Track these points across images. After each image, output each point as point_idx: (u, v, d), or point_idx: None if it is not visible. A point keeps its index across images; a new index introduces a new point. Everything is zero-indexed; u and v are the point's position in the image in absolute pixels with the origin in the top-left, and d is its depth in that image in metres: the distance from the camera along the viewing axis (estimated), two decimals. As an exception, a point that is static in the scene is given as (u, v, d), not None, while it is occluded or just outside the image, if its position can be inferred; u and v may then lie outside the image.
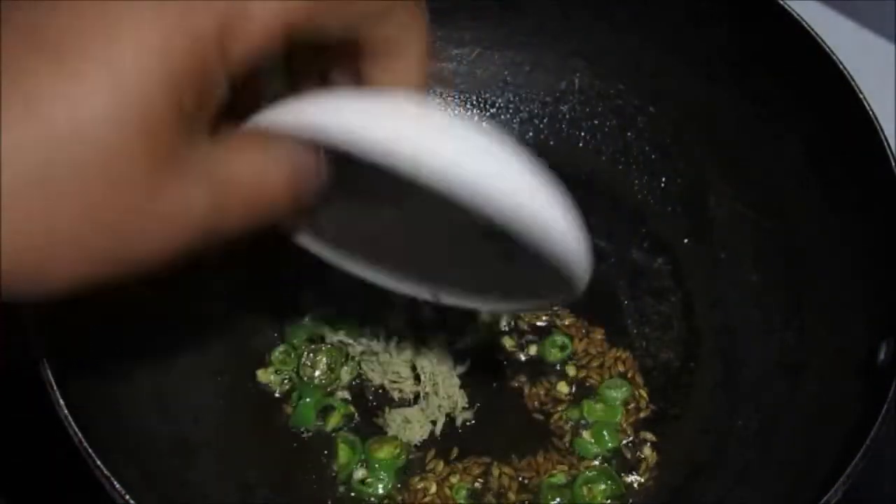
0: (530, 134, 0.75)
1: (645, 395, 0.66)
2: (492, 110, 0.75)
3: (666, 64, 0.71)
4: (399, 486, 0.63)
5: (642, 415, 0.65)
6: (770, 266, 0.68)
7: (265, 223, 0.40)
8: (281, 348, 0.67)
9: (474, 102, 0.75)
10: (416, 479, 0.63)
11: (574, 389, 0.66)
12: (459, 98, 0.75)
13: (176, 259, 0.38)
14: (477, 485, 0.63)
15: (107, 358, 0.60)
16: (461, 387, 0.66)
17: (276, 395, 0.66)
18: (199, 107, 0.37)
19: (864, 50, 0.83)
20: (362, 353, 0.67)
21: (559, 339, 0.67)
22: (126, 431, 0.58)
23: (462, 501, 0.63)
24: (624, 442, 0.64)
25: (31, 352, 0.52)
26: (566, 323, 0.68)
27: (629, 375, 0.67)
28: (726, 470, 0.62)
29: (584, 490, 0.63)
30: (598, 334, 0.68)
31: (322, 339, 0.67)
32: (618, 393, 0.66)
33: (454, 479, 0.63)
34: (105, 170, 0.34)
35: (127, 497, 0.50)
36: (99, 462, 0.50)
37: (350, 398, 0.66)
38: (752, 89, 0.67)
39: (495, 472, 0.64)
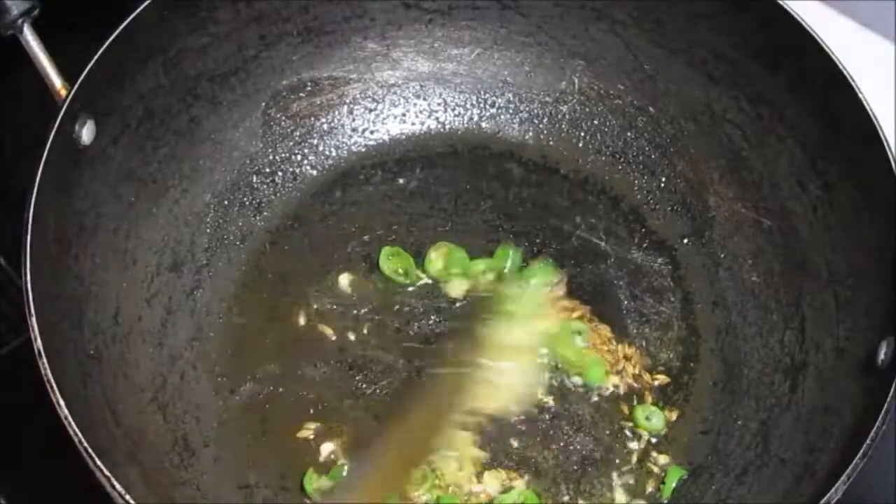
0: (530, 134, 0.75)
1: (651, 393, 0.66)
2: (492, 110, 0.75)
3: (666, 64, 0.71)
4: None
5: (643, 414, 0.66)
6: (770, 266, 0.68)
7: None
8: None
9: (474, 102, 0.75)
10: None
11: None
12: (459, 98, 0.75)
13: None
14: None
15: (106, 358, 0.60)
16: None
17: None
18: None
19: (864, 50, 0.83)
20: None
21: (575, 325, 0.67)
22: (126, 431, 0.58)
23: None
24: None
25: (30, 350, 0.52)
26: (578, 314, 0.68)
27: (636, 372, 0.66)
28: (726, 470, 0.62)
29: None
30: (606, 331, 0.68)
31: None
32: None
33: None
34: None
35: (127, 497, 0.50)
36: (99, 462, 0.50)
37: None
38: (752, 89, 0.67)
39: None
